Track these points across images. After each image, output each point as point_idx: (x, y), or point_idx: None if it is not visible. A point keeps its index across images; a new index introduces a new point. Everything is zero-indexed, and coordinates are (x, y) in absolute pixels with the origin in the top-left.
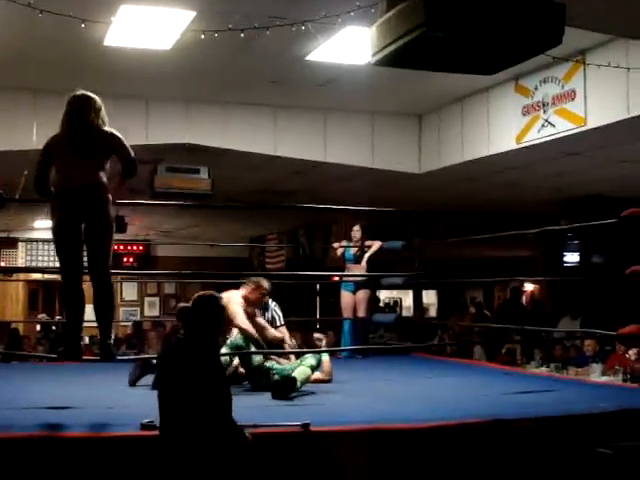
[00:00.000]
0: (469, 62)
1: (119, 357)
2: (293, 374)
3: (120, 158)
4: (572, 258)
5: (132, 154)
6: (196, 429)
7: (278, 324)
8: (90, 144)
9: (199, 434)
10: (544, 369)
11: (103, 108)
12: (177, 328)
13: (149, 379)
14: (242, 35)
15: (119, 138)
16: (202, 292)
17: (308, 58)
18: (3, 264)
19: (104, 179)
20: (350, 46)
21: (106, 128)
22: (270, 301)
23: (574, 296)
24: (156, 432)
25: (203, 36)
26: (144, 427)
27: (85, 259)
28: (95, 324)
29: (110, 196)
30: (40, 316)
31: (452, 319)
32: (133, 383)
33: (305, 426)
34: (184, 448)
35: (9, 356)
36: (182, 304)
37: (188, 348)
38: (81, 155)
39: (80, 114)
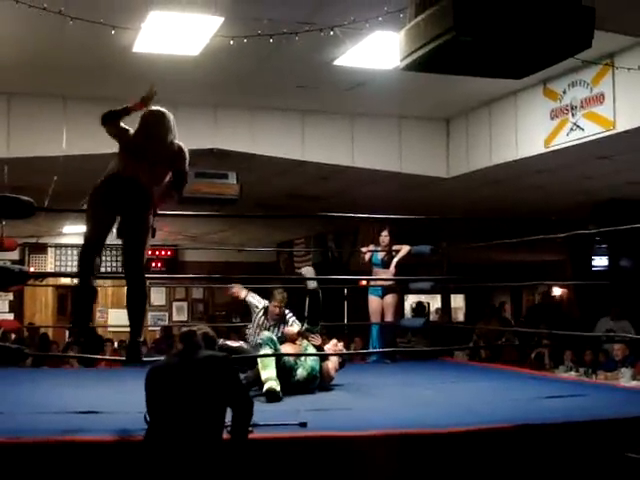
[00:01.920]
0: (498, 66)
1: (145, 359)
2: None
3: (174, 169)
4: (600, 262)
5: (187, 169)
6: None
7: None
8: (157, 157)
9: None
10: (573, 373)
11: (174, 122)
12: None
13: None
14: (271, 41)
15: (183, 152)
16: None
17: (336, 63)
18: (33, 269)
19: (154, 187)
20: (378, 51)
21: (175, 141)
22: (289, 314)
23: (603, 300)
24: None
25: (232, 42)
26: None
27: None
28: (122, 328)
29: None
30: None
31: (480, 323)
32: None
33: (302, 424)
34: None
35: (40, 361)
36: (185, 329)
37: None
38: (144, 162)
39: (153, 130)
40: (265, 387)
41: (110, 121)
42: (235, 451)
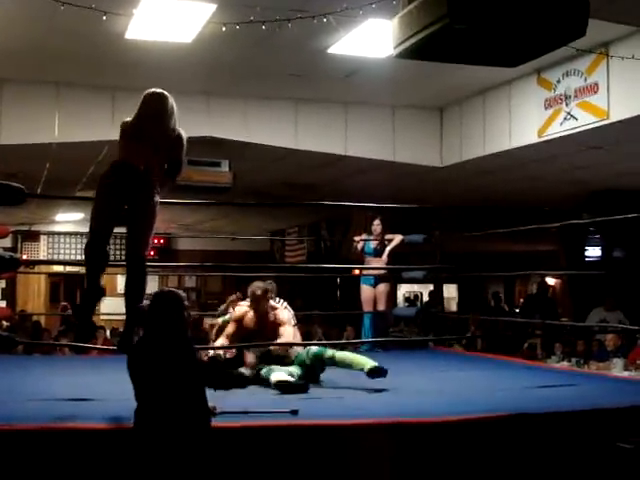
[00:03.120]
0: (492, 54)
1: None
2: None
3: (171, 157)
4: (594, 252)
5: (183, 158)
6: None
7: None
8: (158, 141)
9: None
10: (565, 363)
11: (174, 106)
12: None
13: None
14: (263, 28)
15: (181, 139)
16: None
17: (329, 51)
18: (25, 257)
19: (157, 169)
20: (371, 39)
21: (176, 128)
22: (280, 302)
23: (596, 290)
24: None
25: (224, 28)
26: None
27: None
28: (116, 316)
29: (158, 186)
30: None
31: (472, 314)
32: None
33: (294, 412)
34: (162, 442)
35: (32, 348)
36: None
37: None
38: (147, 146)
39: (153, 111)
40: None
41: None
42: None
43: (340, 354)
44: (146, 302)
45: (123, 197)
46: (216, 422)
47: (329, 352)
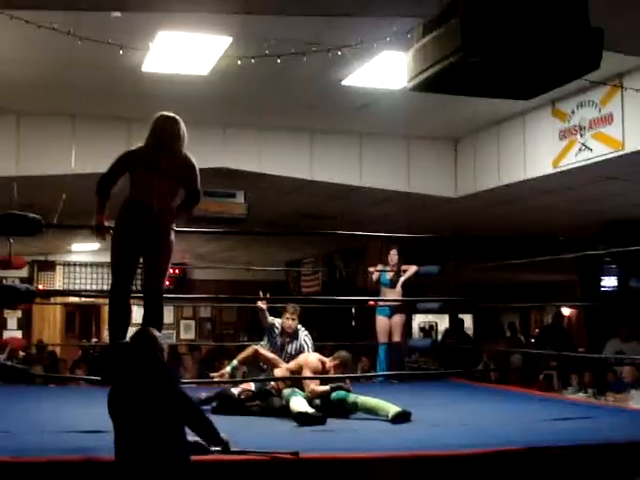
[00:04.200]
0: (506, 87)
1: None
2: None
3: (187, 188)
4: (610, 282)
5: (199, 187)
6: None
7: None
8: (170, 169)
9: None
10: (581, 395)
11: (185, 131)
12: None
13: None
14: (278, 61)
15: (194, 168)
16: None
17: (344, 83)
18: (41, 287)
19: (174, 203)
20: (386, 71)
21: (187, 154)
22: (301, 330)
23: (612, 321)
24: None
25: (240, 62)
26: None
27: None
28: None
29: (174, 221)
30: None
31: (486, 344)
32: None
33: (294, 454)
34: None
35: (48, 379)
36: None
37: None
38: (160, 177)
39: (166, 139)
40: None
41: (104, 190)
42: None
43: (362, 400)
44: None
45: (139, 240)
46: (220, 456)
47: (352, 397)
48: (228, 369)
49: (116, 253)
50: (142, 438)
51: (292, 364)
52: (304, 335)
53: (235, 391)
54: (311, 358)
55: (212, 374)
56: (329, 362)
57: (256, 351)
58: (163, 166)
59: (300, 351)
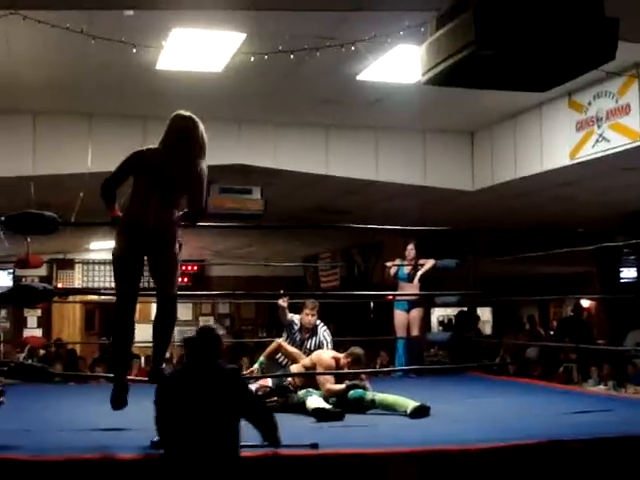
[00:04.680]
0: (521, 79)
1: None
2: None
3: (190, 202)
4: (629, 274)
5: (203, 203)
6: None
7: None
8: (178, 179)
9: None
10: (601, 387)
11: (204, 134)
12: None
13: None
14: (292, 56)
15: (202, 184)
16: (204, 324)
17: (359, 77)
18: (60, 285)
19: (175, 216)
20: (400, 65)
21: (202, 167)
22: (320, 325)
23: (632, 312)
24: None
25: (253, 58)
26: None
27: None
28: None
29: (179, 233)
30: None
31: (506, 337)
32: None
33: (314, 446)
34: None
35: (67, 377)
36: (188, 335)
37: (202, 372)
38: (162, 187)
39: (179, 144)
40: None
41: (109, 192)
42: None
43: (380, 397)
44: (189, 334)
45: (139, 257)
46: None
47: (369, 395)
48: (256, 366)
49: (117, 271)
50: (201, 429)
51: (307, 361)
52: (323, 331)
53: (252, 387)
54: (324, 356)
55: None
56: (343, 359)
57: (280, 345)
58: (170, 175)
59: (319, 347)
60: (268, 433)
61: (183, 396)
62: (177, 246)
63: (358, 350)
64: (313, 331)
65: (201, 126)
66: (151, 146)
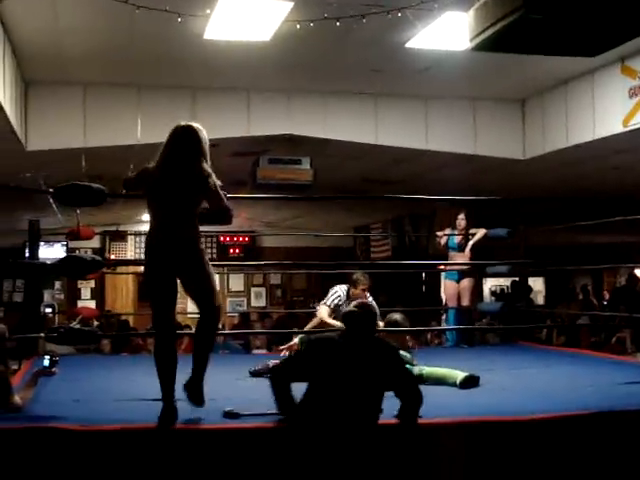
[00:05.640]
0: (571, 44)
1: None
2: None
3: (210, 206)
4: None
5: (225, 204)
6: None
7: None
8: (184, 187)
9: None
10: None
11: (206, 139)
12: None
13: None
14: (338, 24)
15: (206, 182)
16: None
17: (407, 45)
18: (113, 257)
19: (195, 229)
20: (449, 32)
21: (205, 168)
22: (369, 298)
23: None
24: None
25: (299, 26)
26: (227, 415)
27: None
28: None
29: (202, 245)
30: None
31: (559, 307)
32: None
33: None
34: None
35: (119, 348)
36: (348, 309)
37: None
38: (169, 201)
39: (174, 153)
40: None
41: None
42: (404, 438)
43: (428, 371)
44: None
45: (167, 276)
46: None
47: (416, 370)
48: (296, 340)
49: (148, 296)
50: (351, 398)
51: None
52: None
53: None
54: None
55: (281, 347)
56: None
57: (322, 320)
58: (170, 185)
59: None
60: (412, 409)
61: (338, 364)
62: (205, 257)
63: (397, 316)
64: None
65: (199, 131)
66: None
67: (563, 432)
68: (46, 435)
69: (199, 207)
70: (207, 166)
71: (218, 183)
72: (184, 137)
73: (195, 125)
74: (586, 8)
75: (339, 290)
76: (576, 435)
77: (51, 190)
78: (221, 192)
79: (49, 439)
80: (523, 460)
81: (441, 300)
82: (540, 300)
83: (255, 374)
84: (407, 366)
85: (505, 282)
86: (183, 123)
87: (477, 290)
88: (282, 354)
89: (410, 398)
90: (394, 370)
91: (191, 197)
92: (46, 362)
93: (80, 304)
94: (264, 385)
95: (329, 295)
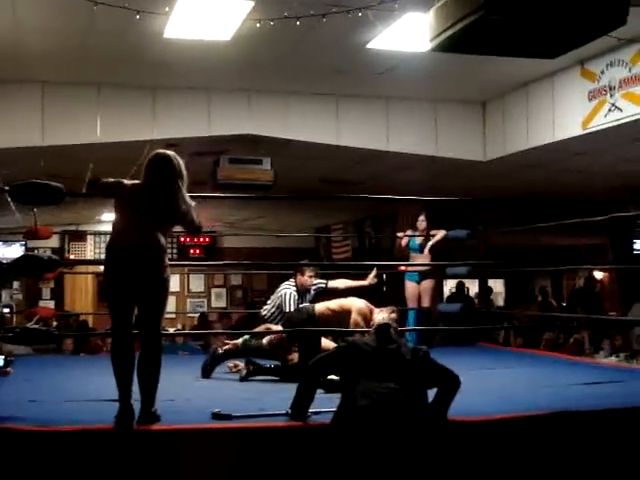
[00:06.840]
0: (530, 45)
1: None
2: None
3: (185, 228)
4: None
5: (197, 225)
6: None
7: None
8: (155, 210)
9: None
10: (613, 359)
11: (182, 166)
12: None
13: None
14: (298, 23)
15: (183, 212)
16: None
17: (369, 46)
18: (72, 257)
19: (162, 241)
20: (410, 33)
21: (181, 200)
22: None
23: None
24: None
25: (259, 25)
26: (216, 416)
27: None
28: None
29: (166, 258)
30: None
31: (519, 309)
32: (207, 375)
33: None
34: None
35: (78, 348)
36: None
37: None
38: (146, 218)
39: (153, 180)
40: None
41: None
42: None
43: None
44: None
45: (126, 280)
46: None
47: None
48: (240, 341)
49: (108, 300)
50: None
51: (333, 304)
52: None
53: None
54: (358, 302)
55: (223, 347)
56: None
57: (268, 328)
58: (146, 208)
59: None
60: (448, 394)
61: (374, 372)
62: (166, 272)
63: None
64: (307, 290)
65: (177, 160)
66: (136, 182)
67: (522, 433)
68: (0, 436)
69: (172, 227)
70: (183, 193)
71: (192, 204)
72: (168, 166)
73: (172, 155)
74: (546, 10)
75: (288, 290)
76: (533, 436)
77: (7, 188)
78: (194, 214)
79: (3, 440)
80: (481, 460)
81: (404, 301)
82: (500, 302)
83: (205, 370)
84: None
85: (465, 284)
86: (163, 152)
87: (438, 291)
88: (222, 350)
89: (448, 385)
90: (432, 372)
91: (167, 221)
92: (1, 362)
93: (42, 304)
94: (224, 385)
95: (286, 301)
